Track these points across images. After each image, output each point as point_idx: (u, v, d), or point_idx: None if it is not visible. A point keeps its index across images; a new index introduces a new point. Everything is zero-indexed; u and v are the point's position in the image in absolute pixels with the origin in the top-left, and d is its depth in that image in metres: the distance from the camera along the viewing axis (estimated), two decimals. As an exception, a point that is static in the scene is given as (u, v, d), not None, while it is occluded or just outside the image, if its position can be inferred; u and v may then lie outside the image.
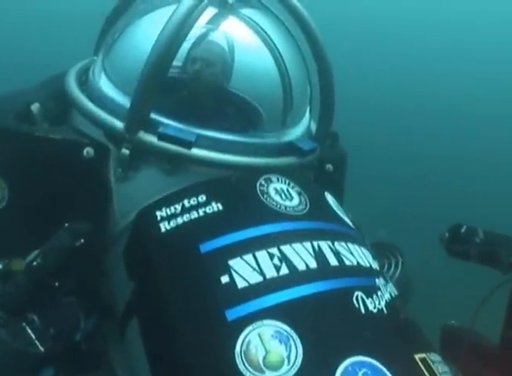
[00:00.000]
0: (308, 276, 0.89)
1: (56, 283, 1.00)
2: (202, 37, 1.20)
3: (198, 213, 0.95)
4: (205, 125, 1.15)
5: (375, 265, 1.06)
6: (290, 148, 1.23)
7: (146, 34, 1.17)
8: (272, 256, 0.89)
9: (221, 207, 0.96)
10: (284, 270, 0.88)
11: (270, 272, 0.87)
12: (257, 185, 1.02)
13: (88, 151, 1.09)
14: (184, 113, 1.15)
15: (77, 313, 1.07)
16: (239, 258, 0.88)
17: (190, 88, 1.19)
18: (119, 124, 1.09)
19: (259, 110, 1.26)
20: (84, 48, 1.54)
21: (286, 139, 1.25)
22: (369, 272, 1.00)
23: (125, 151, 1.09)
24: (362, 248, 1.07)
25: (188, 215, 0.95)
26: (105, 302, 1.13)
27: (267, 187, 1.03)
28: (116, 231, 1.12)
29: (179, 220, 0.95)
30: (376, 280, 0.99)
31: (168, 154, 1.08)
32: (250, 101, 1.24)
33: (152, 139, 1.08)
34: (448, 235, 1.37)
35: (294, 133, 1.28)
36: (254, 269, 0.87)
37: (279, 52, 1.26)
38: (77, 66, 1.38)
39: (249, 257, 0.89)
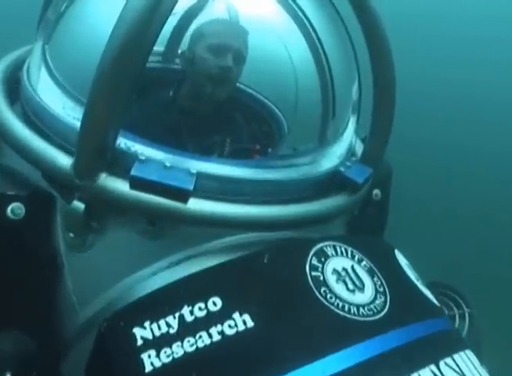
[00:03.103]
0: None
1: None
2: (197, 10, 0.76)
3: (210, 336, 0.52)
4: (207, 154, 0.72)
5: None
6: (337, 180, 0.81)
7: (108, 3, 0.73)
8: None
9: (251, 324, 0.53)
10: None
11: None
12: (307, 268, 0.60)
13: (14, 209, 0.64)
14: (173, 136, 0.72)
15: None
16: None
17: (204, 92, 0.75)
18: (65, 162, 0.65)
19: (280, 120, 0.84)
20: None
21: (327, 165, 0.83)
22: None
23: (78, 205, 0.65)
24: (467, 352, 0.67)
25: (192, 341, 0.52)
26: None
27: (322, 270, 0.60)
28: (74, 327, 0.69)
29: (177, 351, 0.51)
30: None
31: (150, 211, 0.65)
32: (269, 106, 0.82)
33: (121, 185, 0.64)
34: None
35: (336, 153, 0.86)
36: None
37: (316, 36, 0.82)
38: (8, 58, 0.91)
39: None
